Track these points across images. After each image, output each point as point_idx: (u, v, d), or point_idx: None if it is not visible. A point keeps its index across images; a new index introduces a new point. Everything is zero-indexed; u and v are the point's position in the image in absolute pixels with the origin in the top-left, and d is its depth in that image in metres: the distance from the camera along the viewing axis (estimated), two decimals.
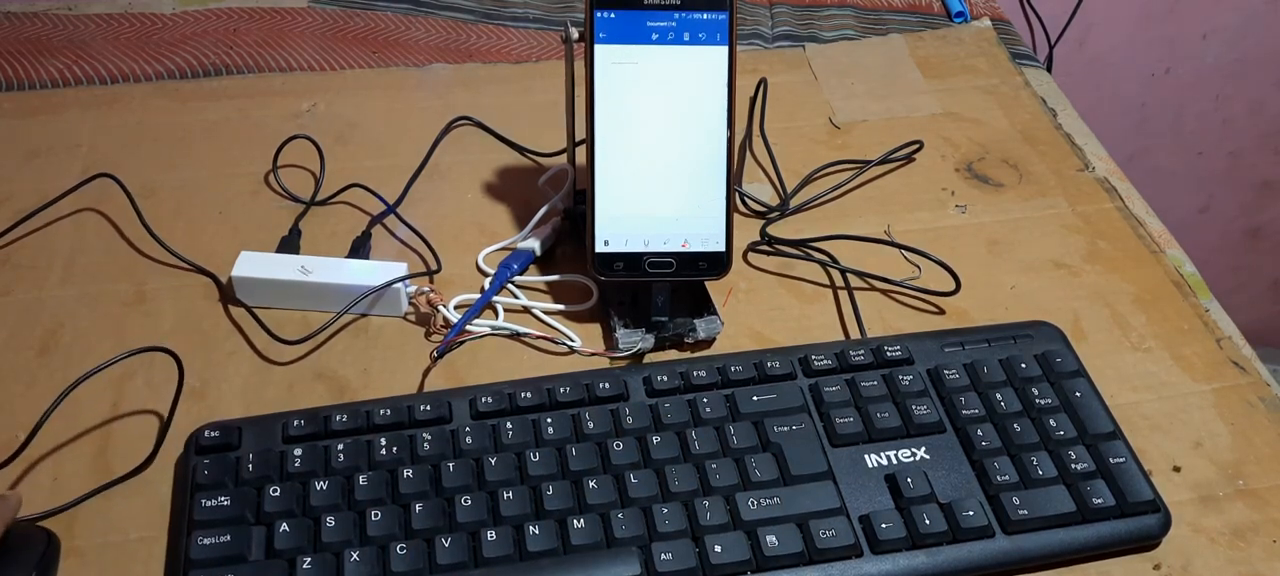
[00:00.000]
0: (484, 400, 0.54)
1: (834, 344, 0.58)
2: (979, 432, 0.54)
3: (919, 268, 0.66)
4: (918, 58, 0.86)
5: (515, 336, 0.60)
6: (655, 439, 0.52)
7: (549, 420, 0.53)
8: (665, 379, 0.55)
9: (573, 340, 0.60)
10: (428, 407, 0.53)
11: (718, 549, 0.48)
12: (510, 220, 0.68)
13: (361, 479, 0.50)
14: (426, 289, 0.60)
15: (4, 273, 0.63)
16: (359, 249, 0.65)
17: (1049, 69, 1.13)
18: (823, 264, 0.66)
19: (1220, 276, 1.48)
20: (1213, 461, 0.56)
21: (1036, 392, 0.55)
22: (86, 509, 0.51)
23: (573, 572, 0.47)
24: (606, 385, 0.54)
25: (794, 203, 0.70)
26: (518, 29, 0.87)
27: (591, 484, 0.50)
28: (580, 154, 0.62)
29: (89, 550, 0.49)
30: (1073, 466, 0.52)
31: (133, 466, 0.52)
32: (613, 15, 0.57)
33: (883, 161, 0.74)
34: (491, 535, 0.48)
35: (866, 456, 0.53)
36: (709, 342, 0.60)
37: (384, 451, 0.51)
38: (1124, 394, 0.59)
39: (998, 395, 0.55)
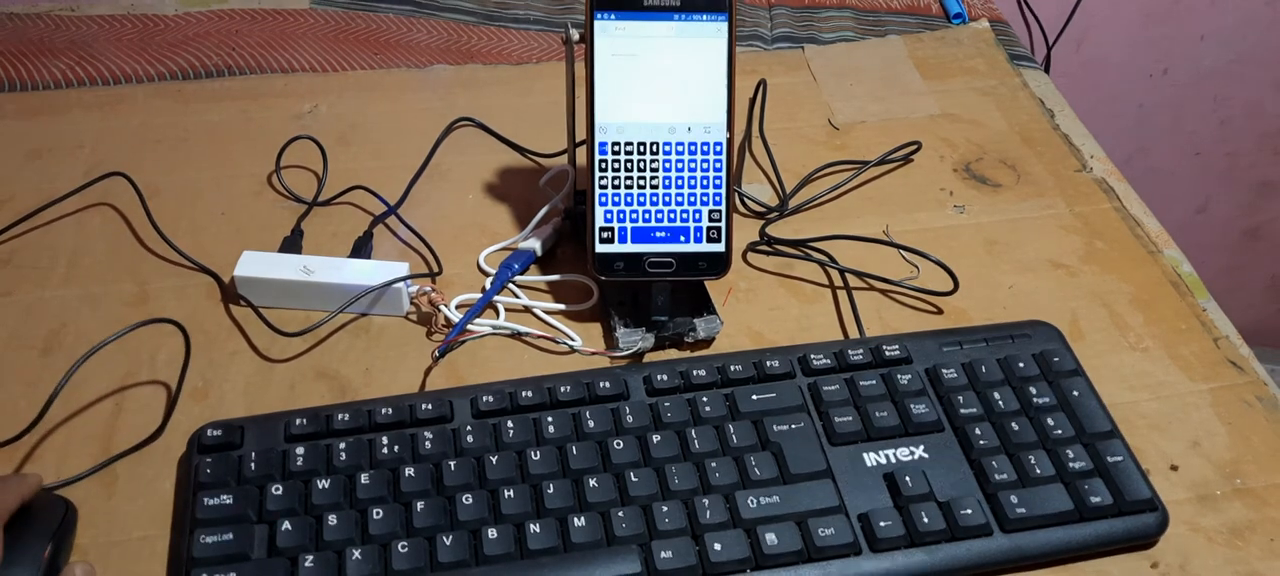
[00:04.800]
0: (485, 399, 0.54)
1: (833, 343, 0.59)
2: (977, 431, 0.54)
3: (917, 267, 0.66)
4: (916, 59, 0.86)
5: (516, 336, 0.61)
6: (655, 438, 0.53)
7: (549, 419, 0.53)
8: (665, 378, 0.55)
9: (573, 340, 0.60)
10: (429, 407, 0.53)
11: (717, 547, 0.48)
12: (511, 220, 0.69)
13: (363, 477, 0.50)
14: (428, 288, 0.60)
15: (7, 273, 0.63)
16: (361, 249, 0.65)
17: (1047, 70, 1.14)
18: (822, 264, 0.66)
19: (1218, 276, 1.48)
20: (1210, 460, 0.56)
21: (1034, 392, 0.56)
22: (87, 509, 0.51)
23: (573, 571, 0.48)
24: (607, 384, 0.55)
25: (793, 203, 0.70)
26: (518, 30, 0.87)
27: (592, 482, 0.50)
28: (580, 154, 0.63)
29: (91, 549, 0.50)
30: (1071, 465, 0.52)
31: (139, 466, 0.53)
32: (613, 16, 0.58)
33: (881, 162, 0.74)
34: (492, 533, 0.48)
35: (865, 455, 0.53)
36: (709, 342, 0.61)
37: (385, 450, 0.51)
38: (1122, 393, 0.59)
39: (996, 394, 0.55)
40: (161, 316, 0.57)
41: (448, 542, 0.48)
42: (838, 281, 0.65)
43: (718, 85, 0.59)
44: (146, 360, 0.58)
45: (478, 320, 0.60)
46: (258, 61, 0.81)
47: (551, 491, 0.50)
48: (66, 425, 0.55)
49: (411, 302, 0.62)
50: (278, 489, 0.50)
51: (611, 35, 0.58)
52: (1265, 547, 0.52)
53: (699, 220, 0.59)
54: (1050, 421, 0.54)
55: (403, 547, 0.48)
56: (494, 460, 0.51)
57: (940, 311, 0.64)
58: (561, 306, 0.62)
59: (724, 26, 0.58)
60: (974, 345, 0.59)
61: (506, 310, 0.62)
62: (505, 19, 0.88)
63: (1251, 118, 1.33)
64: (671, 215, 0.59)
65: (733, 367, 0.56)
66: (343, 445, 0.51)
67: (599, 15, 0.58)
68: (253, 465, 0.50)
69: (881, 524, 0.50)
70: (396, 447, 0.51)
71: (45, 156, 0.71)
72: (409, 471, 0.50)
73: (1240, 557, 0.52)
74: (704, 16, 0.58)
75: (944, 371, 0.56)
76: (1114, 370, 0.61)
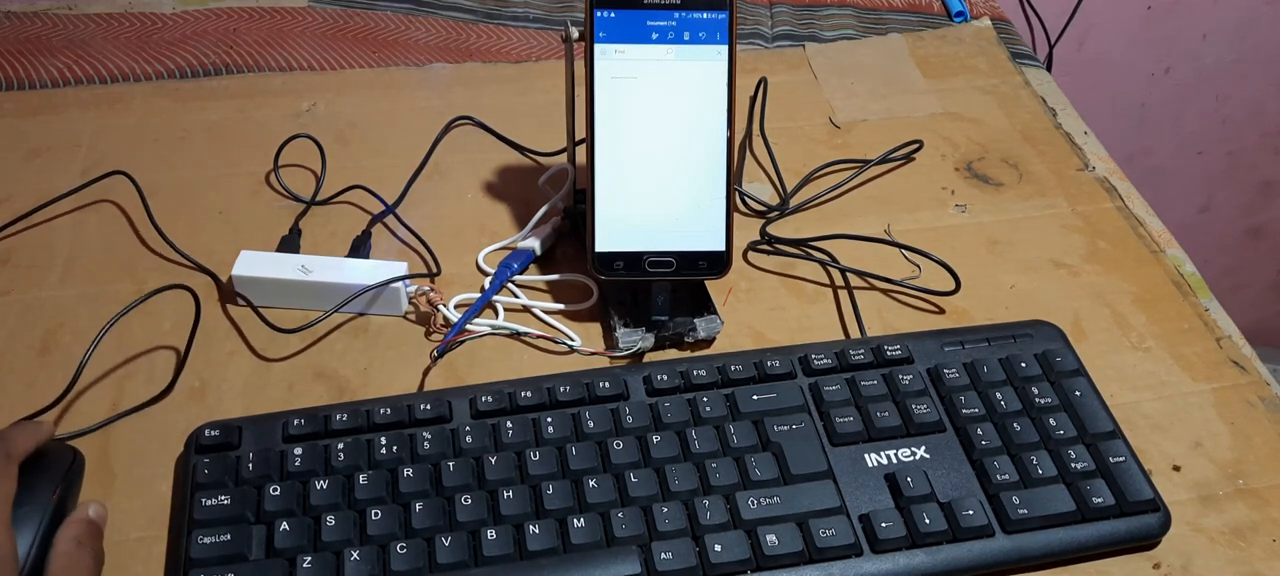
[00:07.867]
0: (484, 399, 0.54)
1: (834, 343, 0.58)
2: (979, 432, 0.54)
3: (919, 267, 0.66)
4: (918, 57, 0.86)
5: (515, 336, 0.60)
6: (655, 438, 0.52)
7: (549, 419, 0.53)
8: (665, 378, 0.55)
9: (573, 339, 0.60)
10: (428, 407, 0.53)
11: (718, 548, 0.48)
12: (510, 219, 0.68)
13: (361, 478, 0.50)
14: (426, 288, 0.60)
15: (4, 272, 0.63)
16: (359, 248, 0.65)
17: (1049, 68, 1.13)
18: (823, 263, 0.66)
19: (1220, 276, 1.48)
20: (1212, 461, 0.56)
21: (1036, 392, 0.55)
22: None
23: (573, 571, 0.47)
24: (606, 384, 0.54)
25: (794, 202, 0.70)
26: (518, 28, 0.87)
27: (591, 483, 0.50)
28: (580, 153, 0.63)
29: None
30: (1072, 465, 0.52)
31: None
32: (612, 15, 0.57)
33: (883, 161, 0.74)
34: (491, 534, 0.48)
35: (866, 455, 0.53)
36: (709, 342, 0.60)
37: (384, 450, 0.51)
38: (1124, 393, 0.59)
39: (997, 394, 0.55)
40: (173, 286, 0.58)
41: (446, 543, 0.48)
42: (839, 281, 0.65)
43: (718, 84, 0.58)
44: (144, 353, 0.58)
45: (477, 320, 0.60)
46: (256, 60, 0.81)
47: (551, 492, 0.50)
48: (69, 406, 0.55)
49: (410, 302, 0.62)
50: (275, 489, 0.49)
51: (611, 33, 0.57)
52: (1268, 548, 0.52)
53: (699, 219, 0.59)
54: (1052, 422, 0.54)
55: (401, 548, 0.47)
56: (493, 460, 0.51)
57: (942, 311, 0.64)
58: (561, 306, 0.62)
59: (725, 24, 0.58)
60: (976, 345, 0.58)
61: (505, 310, 0.62)
62: (504, 17, 0.88)
63: (1254, 116, 1.33)
64: (671, 214, 0.59)
65: (733, 368, 0.56)
66: (341, 445, 0.51)
67: (598, 12, 0.57)
68: (250, 465, 0.50)
69: (883, 525, 0.49)
70: (395, 448, 0.51)
71: (43, 155, 0.71)
72: (408, 472, 0.50)
73: (1243, 558, 0.51)
74: (704, 14, 0.58)
75: (945, 371, 0.56)
76: (1116, 370, 0.60)
